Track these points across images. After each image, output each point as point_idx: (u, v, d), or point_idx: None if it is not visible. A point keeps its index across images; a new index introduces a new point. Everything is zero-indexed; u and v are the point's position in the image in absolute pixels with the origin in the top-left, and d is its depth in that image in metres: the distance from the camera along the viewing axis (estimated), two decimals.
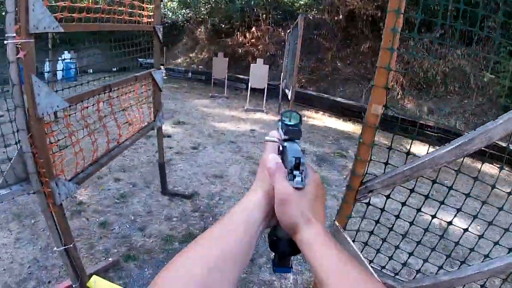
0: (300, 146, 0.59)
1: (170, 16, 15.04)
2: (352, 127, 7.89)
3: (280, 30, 12.00)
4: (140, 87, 3.27)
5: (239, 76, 11.17)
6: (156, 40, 3.33)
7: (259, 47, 12.17)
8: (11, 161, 1.85)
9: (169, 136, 5.98)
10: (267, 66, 8.57)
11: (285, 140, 0.60)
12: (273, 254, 0.57)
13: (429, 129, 6.93)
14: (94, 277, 2.49)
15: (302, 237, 0.49)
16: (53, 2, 1.96)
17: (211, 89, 10.13)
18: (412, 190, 1.38)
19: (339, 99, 9.05)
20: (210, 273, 0.42)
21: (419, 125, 7.21)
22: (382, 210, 1.45)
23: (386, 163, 1.37)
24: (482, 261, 1.42)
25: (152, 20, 3.20)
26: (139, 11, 2.99)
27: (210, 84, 10.22)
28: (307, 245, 0.48)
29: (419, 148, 6.10)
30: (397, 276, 1.59)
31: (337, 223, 1.48)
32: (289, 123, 0.62)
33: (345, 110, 8.61)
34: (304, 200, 0.51)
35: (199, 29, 14.27)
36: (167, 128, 6.37)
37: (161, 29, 3.30)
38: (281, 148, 0.61)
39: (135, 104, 3.16)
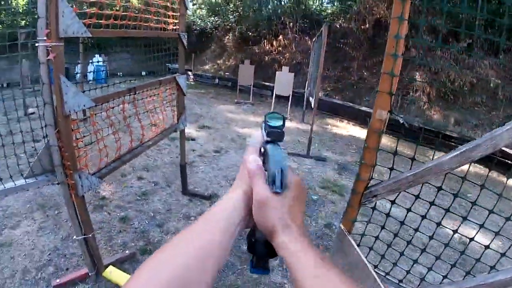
0: (284, 150, 0.58)
1: (199, 23, 15.42)
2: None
3: (307, 38, 12.04)
4: (164, 90, 3.40)
5: (265, 83, 11.27)
6: (181, 47, 3.44)
7: (285, 55, 12.25)
8: (38, 154, 1.99)
9: (193, 139, 6.13)
10: (292, 74, 8.61)
11: (267, 142, 0.60)
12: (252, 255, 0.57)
13: (453, 140, 6.74)
14: (110, 267, 2.61)
15: (279, 240, 0.49)
16: (85, 7, 2.11)
17: (237, 96, 10.28)
18: (417, 197, 1.38)
19: (364, 108, 8.94)
20: (188, 272, 0.42)
21: (443, 136, 7.06)
22: (387, 215, 1.46)
23: (391, 169, 1.39)
24: (488, 273, 1.40)
25: (177, 27, 3.32)
26: (165, 19, 3.12)
27: (236, 91, 10.37)
28: (284, 248, 0.48)
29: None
30: (401, 283, 1.58)
31: (342, 227, 1.50)
32: (272, 124, 0.61)
33: (369, 119, 8.48)
34: (282, 204, 0.51)
35: (227, 37, 14.53)
36: (191, 131, 6.53)
37: (186, 36, 3.40)
38: (262, 150, 0.61)
39: (159, 107, 3.29)
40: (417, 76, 8.81)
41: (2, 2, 11.59)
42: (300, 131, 7.56)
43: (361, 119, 8.70)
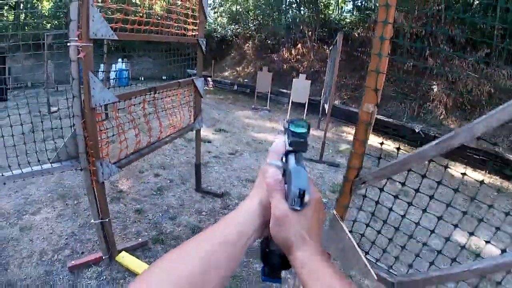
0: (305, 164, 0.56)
1: (219, 31, 15.79)
2: (391, 145, 7.75)
3: (325, 47, 12.16)
4: (182, 92, 3.61)
5: (282, 90, 11.42)
6: (199, 52, 3.63)
7: (303, 63, 12.40)
8: (65, 141, 2.21)
9: (209, 142, 6.33)
10: (309, 81, 8.72)
11: (290, 152, 0.58)
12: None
13: (471, 151, 6.71)
14: (123, 252, 2.80)
15: (296, 256, 0.49)
16: (109, 13, 2.35)
17: (254, 102, 10.47)
18: (403, 184, 1.50)
19: (380, 116, 8.94)
20: (206, 269, 0.45)
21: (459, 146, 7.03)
22: (377, 202, 1.58)
23: (379, 158, 1.51)
24: (474, 260, 1.49)
25: (197, 33, 3.52)
26: (185, 25, 3.33)
27: (254, 97, 10.57)
28: (301, 264, 0.48)
29: (458, 169, 5.94)
30: (390, 270, 1.68)
31: (335, 212, 1.62)
32: (296, 130, 0.59)
33: (386, 128, 8.50)
34: (301, 221, 0.50)
35: (247, 44, 14.82)
36: (208, 134, 6.75)
37: (204, 42, 3.60)
38: (284, 160, 0.59)
39: (177, 107, 3.49)
40: (434, 86, 8.79)
41: (29, 5, 12.29)
42: (315, 138, 7.65)
43: (377, 127, 8.72)
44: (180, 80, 3.45)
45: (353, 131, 7.89)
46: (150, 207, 3.68)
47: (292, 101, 8.71)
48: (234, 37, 15.51)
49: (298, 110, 9.40)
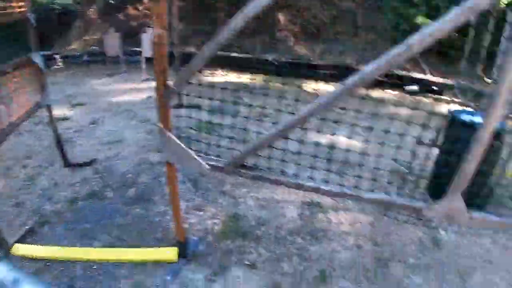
0: None
1: (58, 2, 13.95)
2: (249, 79, 8.71)
3: None
4: (23, 73, 3.50)
5: (135, 49, 11.09)
6: (30, 27, 3.55)
7: (153, 18, 12.15)
8: None
9: (67, 119, 6.11)
10: None
11: None
12: None
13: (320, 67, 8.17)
14: (16, 245, 2.95)
15: None
16: None
17: (107, 68, 10.05)
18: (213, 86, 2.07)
19: (234, 54, 9.60)
20: None
21: (310, 66, 8.44)
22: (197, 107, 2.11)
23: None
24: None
25: (24, 9, 3.40)
26: (12, 4, 3.19)
27: (106, 63, 10.13)
28: None
29: (313, 85, 7.76)
30: (219, 158, 2.30)
31: (160, 125, 2.10)
32: None
33: (242, 63, 9.35)
34: None
35: (90, 10, 13.62)
36: (65, 112, 6.45)
37: (33, 17, 3.53)
38: None
39: (19, 88, 3.41)
40: (280, 16, 9.71)
41: None
42: None
43: (234, 65, 9.45)
44: (16, 60, 3.34)
45: (215, 72, 8.59)
46: (26, 197, 3.72)
47: (146, 57, 8.65)
48: (75, 5, 13.96)
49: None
